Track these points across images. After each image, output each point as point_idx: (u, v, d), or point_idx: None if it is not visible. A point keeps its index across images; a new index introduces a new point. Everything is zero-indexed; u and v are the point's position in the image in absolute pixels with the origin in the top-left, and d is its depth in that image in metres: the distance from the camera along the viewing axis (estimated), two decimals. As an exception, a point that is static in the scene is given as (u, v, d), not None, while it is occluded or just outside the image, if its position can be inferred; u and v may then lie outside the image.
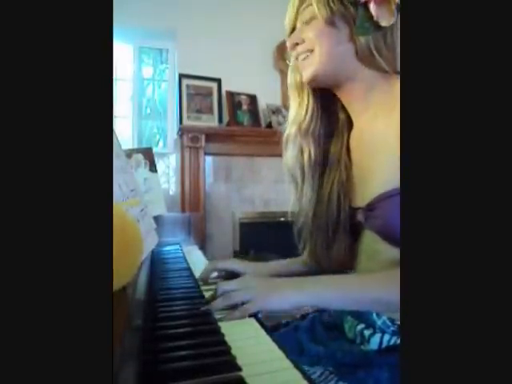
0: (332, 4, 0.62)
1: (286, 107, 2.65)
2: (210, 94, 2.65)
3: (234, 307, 0.53)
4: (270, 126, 2.65)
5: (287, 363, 0.41)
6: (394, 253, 0.58)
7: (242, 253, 2.49)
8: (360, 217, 0.67)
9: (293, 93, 0.76)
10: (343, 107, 0.74)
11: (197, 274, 0.78)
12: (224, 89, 2.68)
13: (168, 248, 1.13)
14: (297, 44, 0.68)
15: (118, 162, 0.60)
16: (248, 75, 2.74)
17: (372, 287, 0.56)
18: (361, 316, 0.62)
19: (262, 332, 0.49)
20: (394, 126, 0.57)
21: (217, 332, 0.47)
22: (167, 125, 2.85)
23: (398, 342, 0.58)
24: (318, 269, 0.79)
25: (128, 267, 0.45)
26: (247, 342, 0.46)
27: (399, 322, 0.58)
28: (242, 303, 0.53)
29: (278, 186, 2.62)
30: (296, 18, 0.68)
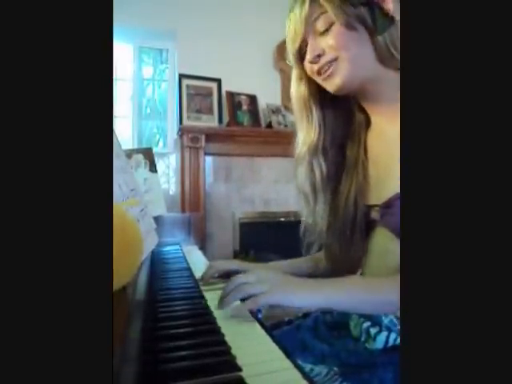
0: (345, 8, 0.61)
1: (287, 107, 2.66)
2: (210, 94, 2.65)
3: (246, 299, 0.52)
4: (270, 126, 2.65)
5: (287, 363, 0.41)
6: None
7: (242, 253, 2.49)
8: (375, 214, 0.67)
9: (299, 109, 0.74)
10: (360, 107, 0.73)
11: (197, 274, 0.78)
12: (224, 89, 2.68)
13: (168, 248, 1.13)
14: (319, 56, 0.65)
15: (118, 162, 0.60)
16: (248, 75, 2.74)
17: (390, 290, 0.54)
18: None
19: (262, 332, 0.49)
20: None
21: (217, 332, 0.47)
22: (167, 125, 2.85)
23: None
24: (325, 271, 0.79)
25: (128, 267, 0.45)
26: (247, 341, 0.46)
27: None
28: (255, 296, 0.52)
29: (277, 186, 2.62)
30: (306, 31, 0.65)
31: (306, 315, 0.76)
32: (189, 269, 0.85)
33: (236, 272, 0.76)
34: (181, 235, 1.34)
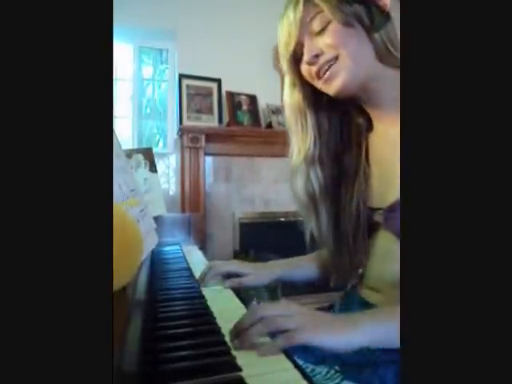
0: (342, 6, 0.60)
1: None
2: (210, 94, 2.65)
3: (273, 335, 0.45)
4: (270, 126, 2.65)
5: (287, 363, 0.41)
6: None
7: (241, 253, 2.49)
8: (378, 218, 0.65)
9: (293, 117, 0.72)
10: (360, 110, 0.72)
11: (197, 274, 0.78)
12: (224, 89, 2.68)
13: (168, 248, 1.13)
14: (317, 56, 0.63)
15: (118, 162, 0.60)
16: (248, 75, 2.74)
17: None
18: None
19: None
20: None
21: (217, 332, 0.47)
22: (167, 125, 2.85)
23: None
24: (325, 270, 0.78)
25: (128, 267, 0.45)
26: (247, 342, 0.46)
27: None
28: (285, 331, 0.44)
29: (277, 185, 2.61)
30: (300, 32, 0.64)
31: None
32: (189, 269, 0.85)
33: (235, 273, 0.75)
34: (181, 235, 1.34)
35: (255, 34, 2.73)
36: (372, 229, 0.68)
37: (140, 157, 1.24)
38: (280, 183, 2.59)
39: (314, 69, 0.64)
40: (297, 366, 0.40)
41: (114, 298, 0.34)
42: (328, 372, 0.57)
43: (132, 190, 0.65)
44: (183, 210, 2.45)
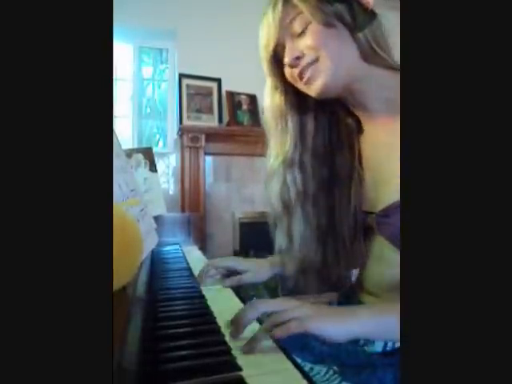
0: (322, 6, 0.59)
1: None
2: (210, 93, 2.65)
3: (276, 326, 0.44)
4: (270, 125, 2.64)
5: (287, 363, 0.41)
6: None
7: (241, 253, 2.49)
8: (371, 222, 0.64)
9: (274, 120, 0.70)
10: (349, 113, 0.70)
11: (197, 273, 0.78)
12: (224, 89, 2.68)
13: (168, 248, 1.13)
14: (298, 58, 0.61)
15: (118, 162, 0.61)
16: (248, 75, 2.73)
17: None
18: None
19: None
20: None
21: (217, 332, 0.47)
22: (167, 125, 2.84)
23: None
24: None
25: (128, 267, 0.45)
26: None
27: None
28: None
29: (277, 185, 2.61)
30: (280, 34, 0.62)
31: None
32: (189, 268, 0.85)
33: (234, 269, 0.75)
34: (181, 235, 1.34)
35: (255, 34, 2.71)
36: (366, 233, 0.67)
37: (140, 156, 1.24)
38: (280, 183, 2.59)
39: (296, 71, 0.63)
40: (297, 366, 0.40)
41: (114, 297, 0.34)
42: (327, 372, 0.57)
43: (132, 190, 0.65)
44: (183, 210, 2.45)
